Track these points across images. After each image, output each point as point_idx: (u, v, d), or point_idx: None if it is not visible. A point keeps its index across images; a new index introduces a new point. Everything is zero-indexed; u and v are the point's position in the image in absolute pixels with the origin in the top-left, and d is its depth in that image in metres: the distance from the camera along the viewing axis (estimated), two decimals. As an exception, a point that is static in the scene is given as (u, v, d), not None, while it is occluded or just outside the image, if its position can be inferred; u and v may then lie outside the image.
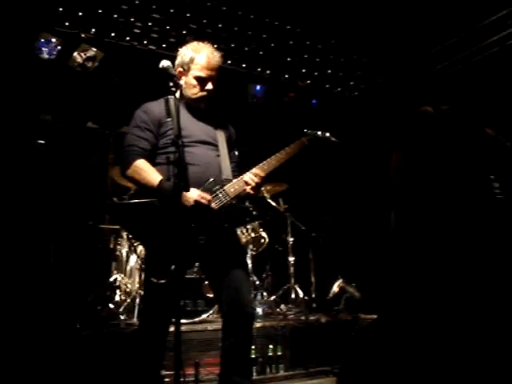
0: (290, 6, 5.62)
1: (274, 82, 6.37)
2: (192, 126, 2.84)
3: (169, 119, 2.48)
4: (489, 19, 5.44)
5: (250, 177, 2.81)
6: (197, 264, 3.02)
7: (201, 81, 2.87)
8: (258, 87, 6.01)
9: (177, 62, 2.92)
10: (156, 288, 2.60)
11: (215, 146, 2.91)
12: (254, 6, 5.65)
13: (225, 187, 2.79)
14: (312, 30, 6.03)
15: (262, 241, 5.69)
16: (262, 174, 2.85)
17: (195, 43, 2.96)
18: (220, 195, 2.76)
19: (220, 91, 3.68)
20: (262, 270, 5.88)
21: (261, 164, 2.90)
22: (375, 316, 5.26)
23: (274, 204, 5.80)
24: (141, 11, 5.27)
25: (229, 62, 5.92)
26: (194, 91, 2.88)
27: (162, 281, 2.55)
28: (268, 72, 6.22)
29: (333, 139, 3.33)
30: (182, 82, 2.83)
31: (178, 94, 2.78)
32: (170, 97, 2.47)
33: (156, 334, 2.71)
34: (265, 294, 5.50)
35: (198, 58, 2.86)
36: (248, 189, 2.81)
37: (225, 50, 5.78)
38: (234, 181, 2.83)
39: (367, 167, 6.70)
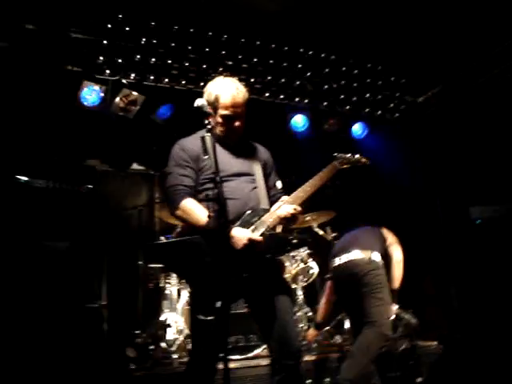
0: (322, 35, 5.66)
1: (313, 110, 6.36)
2: (227, 160, 2.84)
3: (206, 157, 2.50)
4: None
5: (286, 210, 2.78)
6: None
7: (227, 119, 2.86)
8: (163, 108, 5.68)
9: (204, 98, 2.87)
10: (204, 325, 2.59)
11: (252, 176, 2.91)
12: (287, 38, 5.71)
13: (263, 218, 2.77)
14: (347, 56, 6.04)
15: (312, 271, 5.61)
16: (297, 205, 2.82)
17: (220, 79, 2.96)
18: (259, 226, 2.74)
19: (260, 123, 3.73)
20: (314, 300, 5.77)
21: (295, 192, 2.88)
22: (434, 343, 5.08)
23: (321, 233, 5.72)
24: (177, 52, 5.40)
25: (267, 94, 5.96)
26: (221, 129, 2.89)
27: (210, 318, 2.53)
28: (306, 101, 6.21)
29: (363, 160, 3.31)
30: (211, 119, 2.80)
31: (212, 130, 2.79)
32: (206, 134, 2.51)
33: (206, 371, 2.70)
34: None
35: (222, 96, 2.84)
36: (284, 222, 2.79)
37: (262, 84, 5.86)
38: (272, 211, 2.80)
39: (416, 191, 6.57)
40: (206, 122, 2.52)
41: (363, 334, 3.74)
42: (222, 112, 2.84)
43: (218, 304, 2.44)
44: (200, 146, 2.62)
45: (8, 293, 4.12)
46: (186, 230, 2.86)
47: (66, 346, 4.10)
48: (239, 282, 2.60)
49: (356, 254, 3.93)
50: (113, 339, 4.52)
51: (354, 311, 4.04)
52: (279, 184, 3.16)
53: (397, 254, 4.09)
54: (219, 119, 2.86)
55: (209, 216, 2.63)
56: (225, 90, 2.85)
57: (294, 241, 5.58)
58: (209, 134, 2.49)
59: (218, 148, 2.77)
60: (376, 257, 3.96)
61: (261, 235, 2.72)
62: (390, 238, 4.20)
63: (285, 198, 2.86)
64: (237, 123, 2.88)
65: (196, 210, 2.73)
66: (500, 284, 5.34)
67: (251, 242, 2.64)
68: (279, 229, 2.82)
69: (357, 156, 3.32)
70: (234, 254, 2.58)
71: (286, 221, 2.79)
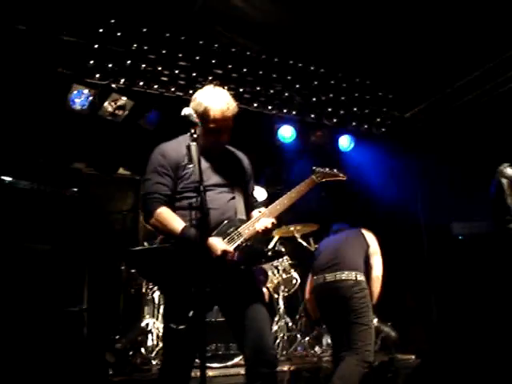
0: (312, 48, 5.72)
1: (301, 122, 6.42)
2: (207, 170, 2.82)
3: (190, 165, 2.52)
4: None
5: (264, 224, 2.80)
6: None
7: (215, 132, 2.83)
8: (153, 114, 5.69)
9: (191, 107, 2.82)
10: (176, 334, 2.59)
11: (230, 187, 2.91)
12: (277, 50, 5.77)
13: (239, 229, 2.78)
14: (336, 69, 6.10)
15: (294, 281, 5.64)
16: (274, 217, 2.85)
17: (210, 90, 2.88)
18: (235, 237, 2.76)
19: (248, 133, 3.75)
20: (295, 310, 5.80)
21: (273, 204, 2.91)
22: (412, 356, 5.13)
23: (304, 244, 5.76)
24: (167, 59, 5.42)
25: (255, 104, 6.00)
26: (207, 141, 2.84)
27: (182, 326, 2.54)
28: (294, 113, 6.27)
29: (341, 175, 3.37)
30: (197, 128, 2.72)
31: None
32: (192, 143, 2.52)
33: (177, 379, 2.68)
34: (298, 335, 5.40)
35: (212, 110, 2.77)
36: (261, 235, 2.81)
37: (251, 93, 5.90)
38: (249, 222, 2.82)
39: (400, 206, 6.64)
40: (192, 131, 2.54)
41: (345, 361, 3.67)
42: (210, 125, 2.80)
43: (190, 313, 2.45)
44: (181, 153, 2.62)
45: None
46: (169, 238, 2.83)
47: (45, 349, 4.08)
48: (213, 292, 2.56)
49: (342, 275, 3.85)
50: (92, 344, 4.50)
51: (336, 331, 4.01)
52: (259, 193, 3.20)
53: (377, 268, 4.06)
54: (207, 131, 2.82)
55: (185, 226, 2.65)
56: (215, 104, 2.79)
57: (269, 253, 5.60)
58: (194, 144, 2.50)
59: (201, 157, 2.73)
60: (361, 276, 3.93)
61: (237, 247, 2.73)
62: (373, 247, 4.12)
63: (262, 209, 2.88)
64: (223, 136, 2.87)
65: (171, 219, 2.73)
66: (480, 300, 5.41)
67: (225, 253, 2.65)
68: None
69: (335, 171, 3.36)
70: (209, 264, 2.56)
71: (263, 234, 2.81)
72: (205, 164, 2.80)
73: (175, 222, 2.72)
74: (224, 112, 2.80)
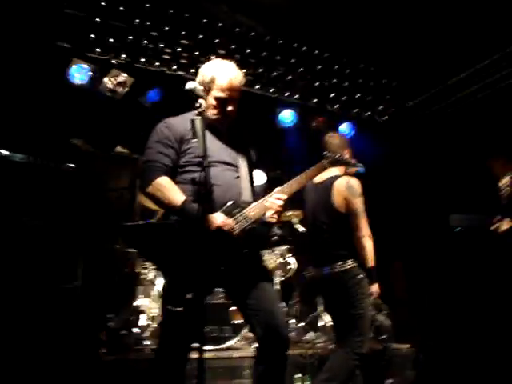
0: (317, 31, 5.64)
1: (303, 107, 6.34)
2: (213, 146, 2.72)
3: (194, 140, 2.45)
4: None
5: (272, 201, 2.72)
6: (221, 289, 2.93)
7: (221, 102, 2.77)
8: (152, 92, 5.60)
9: (198, 79, 2.82)
10: (173, 316, 2.53)
11: (235, 166, 2.84)
12: (281, 32, 5.68)
13: (245, 210, 2.69)
14: (340, 54, 6.03)
15: (290, 266, 5.60)
16: (284, 198, 2.77)
17: (217, 61, 2.88)
18: (240, 218, 2.67)
19: (248, 115, 3.67)
20: (289, 296, 5.77)
21: (281, 187, 2.82)
22: (407, 345, 5.11)
23: (301, 229, 5.71)
24: (170, 37, 5.34)
25: (257, 86, 5.92)
26: (214, 112, 2.79)
27: (179, 309, 2.47)
28: (296, 97, 6.19)
29: (352, 163, 3.27)
30: (203, 101, 2.69)
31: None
32: (196, 117, 2.46)
33: (173, 362, 2.63)
34: (292, 321, 5.37)
35: (219, 78, 2.75)
36: (269, 213, 2.73)
37: (253, 75, 5.82)
38: (255, 204, 2.74)
39: (398, 196, 6.61)
40: (197, 105, 2.47)
41: (336, 354, 3.61)
42: (216, 94, 2.76)
43: (189, 295, 2.39)
44: (187, 127, 2.54)
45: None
46: (166, 217, 2.75)
47: (38, 325, 4.03)
48: (214, 273, 2.53)
49: (338, 267, 3.66)
50: (85, 321, 4.45)
51: (335, 318, 3.89)
52: (258, 176, 3.13)
53: (369, 243, 3.81)
54: (213, 101, 2.77)
55: (185, 199, 2.56)
56: (222, 72, 2.77)
57: (274, 238, 5.56)
58: (199, 118, 2.44)
59: (207, 132, 2.65)
60: (355, 263, 3.76)
61: (242, 229, 2.65)
62: (365, 230, 3.90)
63: (277, 190, 2.79)
64: (230, 107, 2.80)
65: (171, 190, 2.63)
66: (474, 291, 5.40)
67: (226, 225, 2.58)
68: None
69: (346, 158, 3.27)
70: (211, 245, 2.49)
71: (273, 213, 2.73)
72: (210, 140, 2.71)
73: (176, 193, 2.62)
74: (231, 80, 2.76)
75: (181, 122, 2.77)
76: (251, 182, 2.95)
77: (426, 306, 6.16)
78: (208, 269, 2.39)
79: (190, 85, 2.53)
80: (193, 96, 2.50)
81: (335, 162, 3.13)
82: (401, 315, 5.75)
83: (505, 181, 4.45)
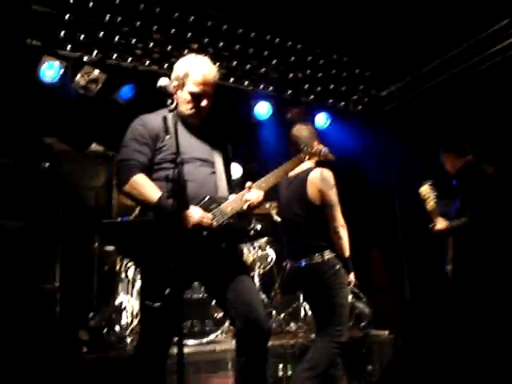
0: (290, 23, 5.64)
1: (277, 98, 6.36)
2: (187, 143, 2.74)
3: (167, 136, 2.45)
4: (491, 29, 5.42)
5: (250, 198, 2.75)
6: (200, 284, 2.94)
7: (195, 97, 2.78)
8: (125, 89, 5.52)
9: (172, 75, 2.84)
10: (152, 311, 2.53)
11: (211, 163, 2.84)
12: (254, 24, 5.67)
13: (221, 205, 2.71)
14: (313, 45, 6.05)
15: (269, 258, 5.64)
16: (262, 193, 2.80)
17: (191, 56, 2.88)
18: (217, 213, 2.68)
19: (223, 108, 3.67)
20: (270, 287, 5.81)
21: (259, 181, 2.84)
22: (386, 332, 5.20)
23: (280, 221, 5.75)
24: (142, 32, 5.29)
25: (231, 79, 5.91)
26: (188, 107, 2.80)
27: (157, 304, 2.48)
28: (271, 89, 6.20)
29: (330, 156, 3.30)
30: (176, 96, 2.74)
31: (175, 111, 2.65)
32: (168, 114, 2.46)
33: (154, 358, 2.63)
34: (274, 312, 5.42)
35: (193, 72, 2.77)
36: (246, 207, 2.75)
37: (227, 69, 5.82)
38: (231, 199, 2.76)
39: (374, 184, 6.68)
40: (169, 101, 2.47)
41: (317, 344, 3.64)
42: (190, 89, 2.77)
43: (167, 291, 2.40)
44: (161, 124, 2.55)
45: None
46: (143, 214, 2.77)
47: (18, 327, 4.00)
48: (192, 268, 2.53)
49: (315, 259, 3.69)
50: (65, 322, 4.43)
51: (315, 308, 3.92)
52: (234, 170, 3.14)
53: (344, 234, 3.82)
54: (187, 96, 2.78)
55: (162, 195, 2.57)
56: (196, 67, 2.78)
57: (251, 232, 5.58)
58: (171, 114, 2.44)
59: (181, 129, 2.68)
60: (332, 253, 3.79)
61: (219, 224, 2.67)
62: (340, 220, 3.91)
63: (249, 184, 2.81)
64: (204, 102, 2.80)
65: (147, 187, 2.64)
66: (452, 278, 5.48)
67: (204, 220, 2.59)
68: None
69: (324, 150, 3.29)
70: (189, 240, 2.51)
71: (248, 209, 2.75)
72: (184, 136, 2.72)
73: (152, 190, 2.63)
74: (205, 75, 2.78)
75: (156, 119, 2.75)
76: (228, 176, 2.95)
77: (405, 292, 6.26)
78: (185, 264, 2.38)
79: (161, 82, 2.52)
80: (165, 92, 2.49)
81: (313, 155, 3.16)
82: (380, 302, 5.84)
83: (425, 190, 4.40)
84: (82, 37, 5.08)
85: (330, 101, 6.54)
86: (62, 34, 5.02)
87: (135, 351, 2.79)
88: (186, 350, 4.12)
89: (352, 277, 3.66)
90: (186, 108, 2.81)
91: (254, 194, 2.77)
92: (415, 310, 5.95)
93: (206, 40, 5.56)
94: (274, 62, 5.99)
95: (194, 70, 2.77)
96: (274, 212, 5.68)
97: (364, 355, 4.67)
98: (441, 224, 4.30)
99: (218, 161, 2.90)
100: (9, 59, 4.94)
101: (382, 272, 6.69)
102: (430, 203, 4.36)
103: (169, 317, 2.49)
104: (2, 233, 4.28)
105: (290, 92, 6.32)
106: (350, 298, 4.11)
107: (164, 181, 2.60)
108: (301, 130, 3.84)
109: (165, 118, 2.45)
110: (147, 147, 2.73)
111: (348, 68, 6.37)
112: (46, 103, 5.27)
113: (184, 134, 2.75)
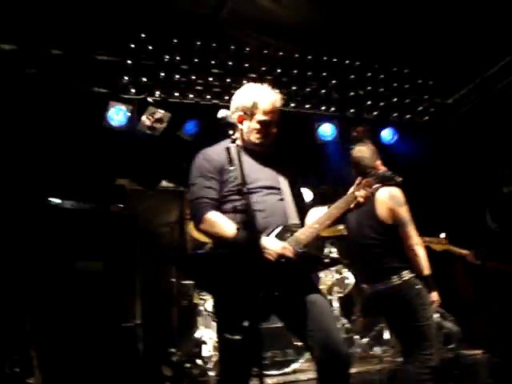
0: (346, 41, 5.60)
1: (340, 118, 6.28)
2: (252, 172, 2.70)
3: (232, 167, 2.44)
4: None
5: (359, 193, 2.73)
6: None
7: (265, 125, 2.79)
8: (190, 124, 5.69)
9: (235, 106, 2.84)
10: (231, 344, 2.49)
11: (278, 189, 2.80)
12: (309, 47, 5.68)
13: (295, 234, 2.64)
14: (371, 61, 5.95)
15: (348, 281, 5.49)
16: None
17: (255, 86, 2.89)
18: (292, 242, 2.60)
19: (287, 134, 3.63)
20: (351, 311, 5.66)
21: (329, 209, 2.76)
22: (479, 351, 4.88)
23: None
24: (200, 68, 5.41)
25: (292, 104, 5.90)
26: (258, 136, 2.80)
27: (237, 337, 2.44)
28: (333, 109, 6.14)
29: (398, 179, 3.08)
30: (242, 126, 2.75)
31: (238, 141, 2.67)
32: (231, 145, 2.45)
33: None
34: (356, 336, 5.25)
35: (261, 102, 2.78)
36: (353, 205, 2.72)
37: (287, 94, 5.81)
38: (305, 227, 2.70)
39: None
40: (231, 132, 2.47)
41: (406, 370, 3.44)
42: (260, 117, 2.77)
43: (246, 323, 2.36)
44: (224, 156, 2.54)
45: (43, 315, 4.14)
46: (218, 247, 2.75)
47: (103, 366, 4.09)
48: (269, 300, 2.46)
49: (393, 281, 3.42)
50: (148, 358, 4.48)
51: (399, 333, 3.72)
52: (304, 194, 3.08)
53: (422, 251, 3.61)
54: (256, 125, 2.78)
55: (237, 229, 2.53)
56: (263, 96, 2.80)
57: (326, 260, 5.45)
58: (234, 145, 2.43)
59: (244, 158, 2.65)
60: (411, 274, 3.47)
61: (295, 254, 2.57)
62: (415, 238, 3.53)
63: (359, 179, 2.80)
64: (273, 129, 2.83)
65: (222, 223, 2.63)
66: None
67: (287, 251, 2.53)
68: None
69: (390, 174, 3.07)
70: (264, 270, 2.44)
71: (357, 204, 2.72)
72: (249, 166, 2.69)
73: (227, 225, 2.61)
74: (273, 102, 2.80)
75: (218, 152, 2.77)
76: (297, 201, 2.89)
77: (496, 307, 5.89)
78: (262, 294, 2.36)
79: (221, 113, 2.53)
80: (225, 124, 2.50)
81: (381, 181, 2.99)
82: (468, 319, 5.53)
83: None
84: (144, 79, 5.25)
85: (395, 115, 6.37)
86: (126, 78, 5.21)
87: None
88: (268, 381, 4.07)
89: (435, 295, 3.48)
90: (255, 137, 2.81)
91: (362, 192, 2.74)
92: (506, 326, 5.58)
93: (263, 68, 5.60)
94: (334, 81, 5.93)
95: (263, 100, 2.79)
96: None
97: (458, 378, 4.39)
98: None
99: (285, 187, 2.85)
100: (79, 108, 5.19)
101: (467, 287, 6.36)
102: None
103: (248, 349, 2.44)
104: (82, 274, 4.42)
105: (352, 110, 6.21)
106: (435, 317, 3.88)
107: (232, 213, 2.58)
108: (362, 151, 3.74)
109: (228, 149, 2.44)
110: (215, 181, 2.73)
111: (410, 79, 6.21)
112: (116, 146, 5.46)
113: (248, 164, 2.72)
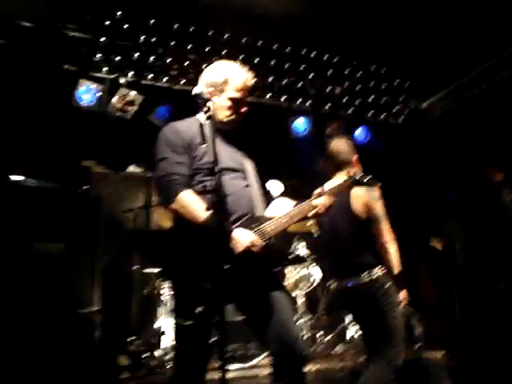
0: (326, 36, 5.55)
1: (315, 113, 6.22)
2: (220, 152, 2.48)
3: (203, 145, 2.32)
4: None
5: (323, 201, 2.60)
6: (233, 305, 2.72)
7: (236, 103, 2.68)
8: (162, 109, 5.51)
9: (205, 81, 2.72)
10: (183, 330, 2.38)
11: (243, 173, 2.69)
12: (288, 39, 5.61)
13: (262, 225, 2.52)
14: (350, 57, 5.92)
15: (314, 277, 5.43)
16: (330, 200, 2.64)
17: (226, 62, 2.80)
18: (258, 234, 2.48)
19: (261, 125, 3.56)
20: (315, 307, 5.60)
21: (330, 188, 2.68)
22: (441, 353, 4.88)
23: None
24: (176, 52, 5.29)
25: (268, 96, 5.82)
26: (226, 113, 2.68)
27: (189, 322, 2.30)
28: (308, 104, 6.07)
29: (375, 183, 3.00)
30: (211, 103, 2.52)
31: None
32: (205, 121, 2.34)
33: (190, 381, 2.46)
34: (320, 333, 5.19)
35: (233, 78, 2.67)
36: (311, 214, 2.59)
37: (263, 85, 5.73)
38: (274, 220, 2.56)
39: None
40: (205, 108, 2.34)
41: (371, 368, 3.38)
42: (231, 94, 2.66)
43: (199, 309, 2.24)
44: (194, 132, 2.42)
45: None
46: (178, 227, 2.57)
47: (56, 352, 3.92)
48: (227, 289, 2.29)
49: (363, 278, 3.33)
50: (105, 346, 4.33)
51: (366, 330, 3.66)
52: (275, 186, 2.99)
53: (394, 248, 3.57)
54: (226, 102, 2.66)
55: (207, 209, 2.38)
56: (236, 73, 2.70)
57: (292, 257, 5.38)
58: (208, 121, 2.32)
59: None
60: (382, 270, 3.40)
61: (262, 247, 2.46)
62: (388, 234, 3.45)
63: (319, 190, 2.66)
64: (243, 108, 2.71)
65: (195, 204, 2.44)
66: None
67: (255, 246, 2.41)
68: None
69: (367, 178, 2.99)
70: (227, 260, 2.27)
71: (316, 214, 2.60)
72: (218, 145, 2.50)
73: (199, 207, 2.42)
74: (245, 81, 2.71)
75: (187, 125, 2.65)
76: (261, 190, 2.80)
77: (456, 309, 5.93)
78: (220, 283, 2.23)
79: (196, 89, 2.42)
80: (200, 100, 2.38)
81: (357, 183, 2.89)
82: (430, 321, 5.54)
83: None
84: (117, 59, 5.09)
85: (371, 113, 6.35)
86: (98, 57, 5.04)
87: (172, 375, 2.62)
88: (228, 374, 3.96)
89: (404, 294, 3.43)
90: (224, 115, 2.69)
91: (321, 200, 2.61)
92: (467, 329, 5.62)
93: (241, 56, 5.50)
94: (311, 75, 5.87)
95: (234, 76, 2.68)
96: (314, 229, 5.50)
97: (418, 379, 4.37)
98: None
99: (250, 173, 2.75)
100: (47, 84, 5.00)
101: (429, 288, 6.40)
102: None
103: (201, 336, 2.35)
104: (40, 256, 4.24)
105: (328, 106, 6.16)
106: (402, 316, 3.82)
107: (202, 193, 2.46)
108: (340, 145, 3.66)
109: (201, 126, 2.32)
110: (186, 156, 2.56)
111: (387, 79, 6.21)
112: (84, 126, 5.28)
113: (217, 143, 2.52)
